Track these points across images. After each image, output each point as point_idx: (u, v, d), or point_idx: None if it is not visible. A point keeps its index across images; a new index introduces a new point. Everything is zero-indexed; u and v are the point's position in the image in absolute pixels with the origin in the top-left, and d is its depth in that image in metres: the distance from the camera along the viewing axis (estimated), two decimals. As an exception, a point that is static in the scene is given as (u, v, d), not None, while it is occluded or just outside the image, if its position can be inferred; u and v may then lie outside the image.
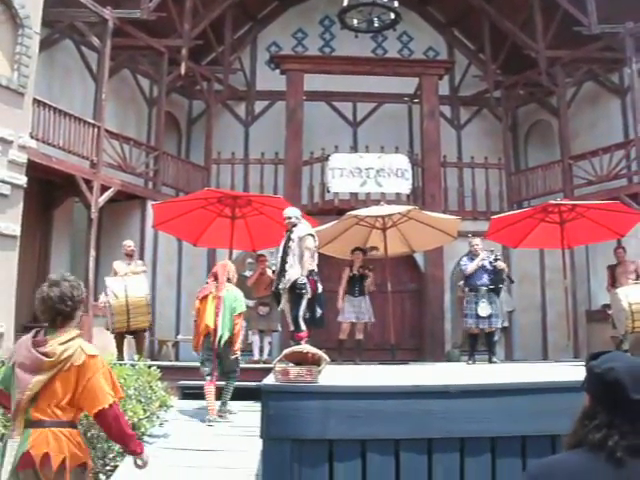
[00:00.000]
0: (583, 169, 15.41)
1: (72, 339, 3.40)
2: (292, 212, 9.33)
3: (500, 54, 17.42)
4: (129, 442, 3.46)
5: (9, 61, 11.03)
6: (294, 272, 8.81)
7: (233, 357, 7.47)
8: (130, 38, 14.85)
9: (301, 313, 8.80)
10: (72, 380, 3.33)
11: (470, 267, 10.85)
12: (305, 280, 8.85)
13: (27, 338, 3.43)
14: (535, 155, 18.13)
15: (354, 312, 11.37)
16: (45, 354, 3.31)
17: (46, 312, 3.44)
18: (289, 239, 8.97)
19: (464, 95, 18.69)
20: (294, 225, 9.08)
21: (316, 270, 9.01)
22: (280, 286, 8.92)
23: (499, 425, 3.88)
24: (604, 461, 1.82)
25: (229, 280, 7.83)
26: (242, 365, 9.00)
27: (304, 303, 8.83)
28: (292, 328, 8.95)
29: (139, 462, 3.50)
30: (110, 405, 3.35)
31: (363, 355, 11.67)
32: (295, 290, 8.81)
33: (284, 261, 8.90)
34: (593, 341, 14.44)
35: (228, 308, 7.46)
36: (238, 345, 7.48)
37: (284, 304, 9.03)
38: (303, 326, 8.80)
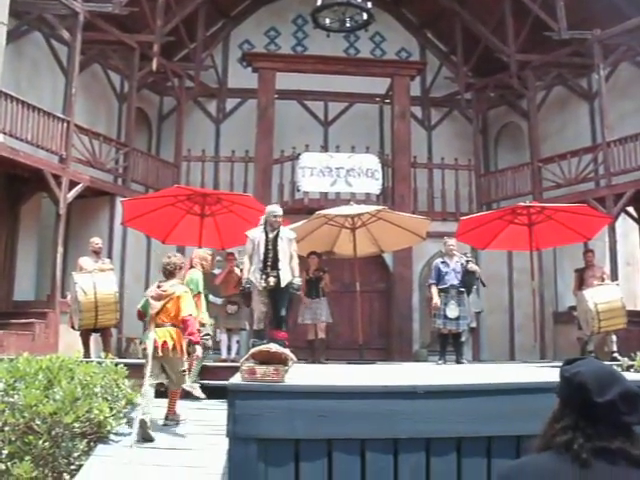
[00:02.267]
0: (552, 172, 15.57)
1: (173, 284, 6.86)
2: (280, 210, 9.26)
3: (472, 57, 17.54)
4: (192, 337, 6.63)
5: (-24, 53, 10.88)
6: (287, 273, 8.81)
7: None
8: (101, 32, 14.70)
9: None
10: (174, 303, 6.73)
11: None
12: (300, 282, 9.27)
13: (155, 285, 7.00)
14: (505, 157, 18.28)
15: (310, 314, 11.66)
16: (163, 291, 6.81)
17: (163, 271, 7.04)
18: (276, 238, 8.88)
19: (435, 96, 18.79)
20: (279, 223, 9.06)
21: None
22: (264, 285, 8.76)
23: (465, 426, 3.91)
24: (570, 462, 1.85)
25: (192, 266, 8.39)
26: (210, 364, 9.00)
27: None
28: (275, 326, 8.94)
29: (197, 350, 6.72)
30: (187, 316, 6.64)
31: (329, 354, 11.76)
32: (289, 290, 8.84)
33: (267, 260, 8.81)
34: (559, 342, 14.61)
35: None
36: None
37: (261, 303, 8.91)
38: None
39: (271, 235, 8.90)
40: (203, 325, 8.10)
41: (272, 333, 8.87)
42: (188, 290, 7.07)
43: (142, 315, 7.06)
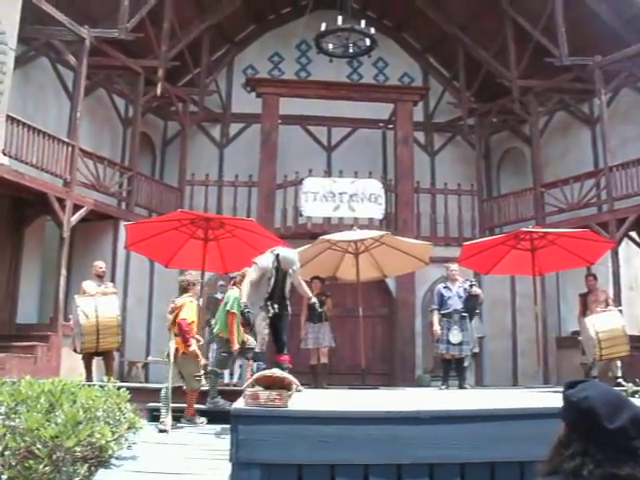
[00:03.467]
0: (554, 197, 15.59)
1: (183, 298, 8.07)
2: (295, 258, 9.00)
3: (474, 82, 17.66)
4: (185, 338, 7.81)
5: (-17, 78, 10.97)
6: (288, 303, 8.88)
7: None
8: (107, 57, 14.83)
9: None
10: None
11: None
12: (316, 300, 9.59)
13: (171, 301, 8.26)
14: (507, 182, 18.32)
15: (313, 338, 11.61)
16: (173, 304, 8.06)
17: (179, 288, 8.23)
18: (285, 276, 8.69)
19: (438, 122, 18.88)
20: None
21: None
22: (272, 310, 8.58)
23: (468, 451, 3.89)
24: None
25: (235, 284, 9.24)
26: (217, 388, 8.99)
27: None
28: (278, 351, 8.89)
29: (191, 349, 7.87)
30: (181, 320, 7.80)
31: (331, 379, 11.71)
32: (286, 315, 8.83)
33: (274, 296, 8.71)
34: (563, 367, 14.54)
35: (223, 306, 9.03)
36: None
37: (265, 327, 8.81)
38: None
39: (281, 275, 8.70)
40: (243, 343, 9.00)
41: (276, 358, 8.83)
42: (193, 300, 8.21)
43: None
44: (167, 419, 7.57)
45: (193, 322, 8.01)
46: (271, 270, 8.67)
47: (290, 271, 8.78)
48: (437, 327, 10.82)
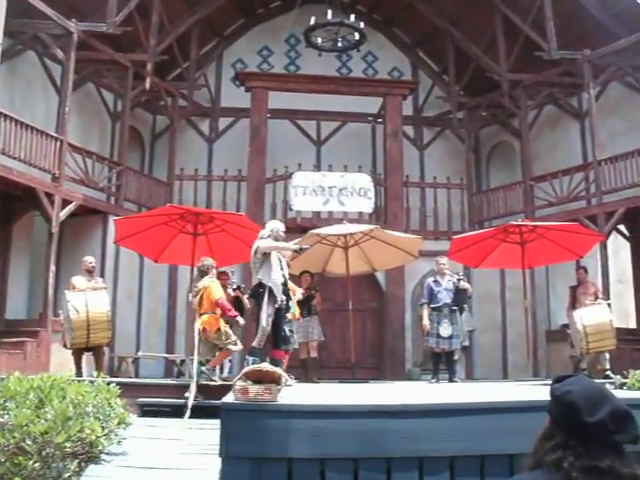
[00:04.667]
0: (544, 190, 15.64)
1: (204, 281, 9.15)
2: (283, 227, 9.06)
3: (464, 76, 17.67)
4: (227, 310, 9.10)
5: (-30, 72, 10.90)
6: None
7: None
8: (95, 51, 14.75)
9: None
10: (206, 294, 8.94)
11: None
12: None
13: (194, 286, 9.36)
14: (497, 176, 18.36)
15: (302, 332, 11.53)
16: (196, 288, 9.16)
17: (198, 272, 9.39)
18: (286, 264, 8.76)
19: (427, 116, 18.88)
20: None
21: None
22: (279, 301, 8.42)
23: (458, 444, 3.90)
24: None
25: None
26: (202, 383, 8.97)
27: None
28: (274, 345, 8.78)
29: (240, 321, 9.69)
30: (218, 299, 9.01)
31: (321, 373, 11.71)
32: (286, 309, 8.79)
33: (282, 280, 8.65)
34: (552, 360, 14.61)
35: None
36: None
37: (270, 318, 8.66)
38: None
39: (287, 271, 8.73)
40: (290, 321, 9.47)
41: (271, 352, 8.76)
42: (214, 280, 9.42)
43: None
44: (192, 395, 8.21)
45: (221, 297, 9.23)
46: (282, 236, 8.67)
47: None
48: (427, 321, 10.84)
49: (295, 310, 9.82)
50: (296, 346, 9.75)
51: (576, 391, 1.92)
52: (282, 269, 8.55)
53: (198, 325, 9.01)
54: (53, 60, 14.59)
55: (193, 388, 8.30)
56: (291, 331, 9.25)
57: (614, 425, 1.87)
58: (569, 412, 1.90)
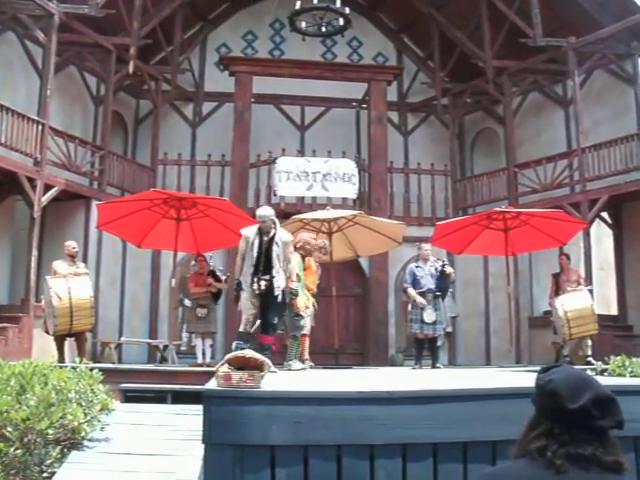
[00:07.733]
0: (527, 177, 15.69)
1: None
2: (269, 212, 8.70)
3: (448, 62, 17.65)
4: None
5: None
6: (281, 279, 8.44)
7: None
8: (77, 34, 14.58)
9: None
10: None
11: None
12: (297, 286, 8.90)
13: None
14: (481, 162, 18.40)
15: None
16: None
17: None
18: (271, 241, 8.43)
19: (412, 102, 18.87)
20: (272, 226, 8.56)
21: None
22: (255, 287, 8.35)
23: (441, 431, 3.90)
24: (545, 469, 1.86)
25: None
26: (185, 369, 8.96)
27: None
28: (262, 331, 8.66)
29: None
30: None
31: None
32: (283, 297, 8.52)
33: (260, 264, 8.49)
34: (535, 347, 14.72)
35: None
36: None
37: (250, 305, 8.45)
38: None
39: (266, 238, 8.45)
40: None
41: (259, 338, 8.68)
42: None
43: None
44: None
45: None
46: (254, 235, 8.48)
47: (277, 240, 8.53)
48: (420, 299, 10.55)
49: (306, 300, 9.45)
50: (306, 332, 9.42)
51: (558, 379, 1.94)
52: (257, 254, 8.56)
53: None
54: (34, 42, 14.34)
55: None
56: (299, 316, 9.02)
57: (597, 411, 1.89)
58: (552, 400, 1.92)
